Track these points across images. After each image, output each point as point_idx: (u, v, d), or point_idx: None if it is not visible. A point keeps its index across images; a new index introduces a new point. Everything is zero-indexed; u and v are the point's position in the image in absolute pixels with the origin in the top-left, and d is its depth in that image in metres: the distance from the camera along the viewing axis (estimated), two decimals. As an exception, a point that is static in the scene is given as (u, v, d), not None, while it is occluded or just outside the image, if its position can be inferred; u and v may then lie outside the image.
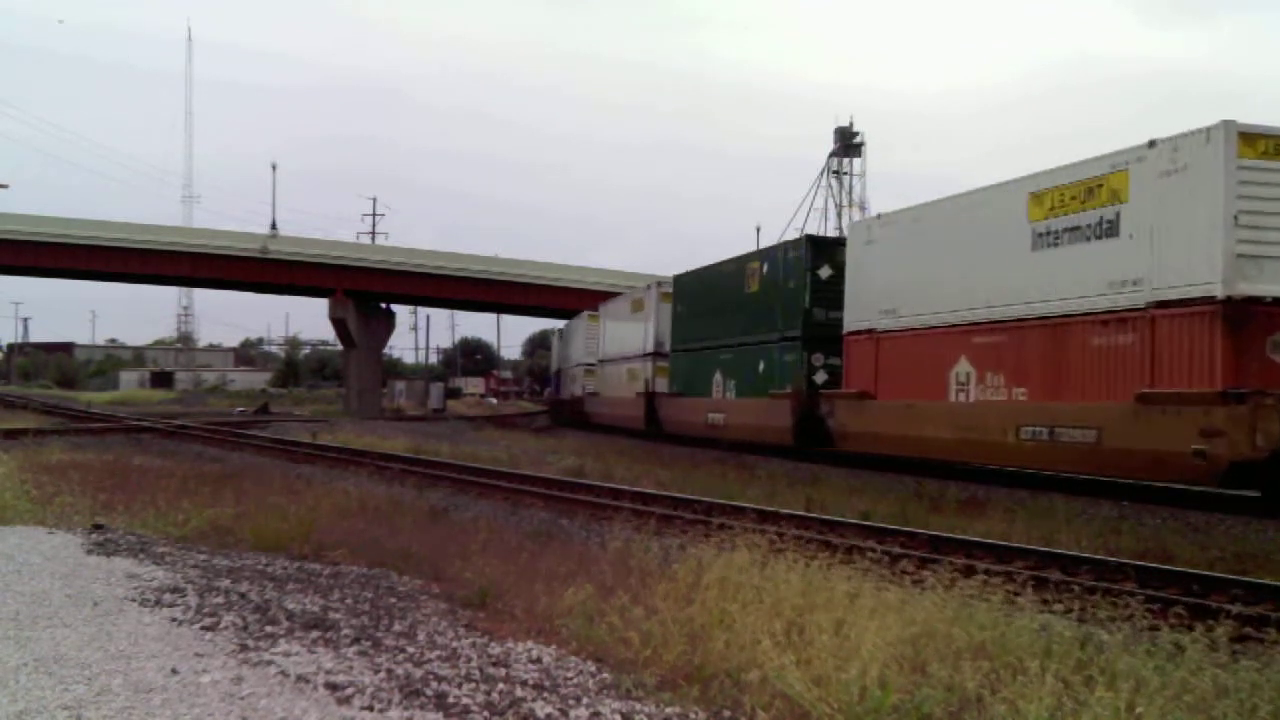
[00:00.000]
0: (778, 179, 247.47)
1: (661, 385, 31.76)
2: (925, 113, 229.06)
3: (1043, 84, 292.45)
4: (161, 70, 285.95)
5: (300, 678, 4.69)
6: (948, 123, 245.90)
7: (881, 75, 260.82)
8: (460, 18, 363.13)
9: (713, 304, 28.78)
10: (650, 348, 32.60)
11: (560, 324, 56.71)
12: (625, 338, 36.42)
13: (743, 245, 70.96)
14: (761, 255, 27.11)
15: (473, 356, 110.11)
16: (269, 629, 5.69)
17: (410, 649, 5.44)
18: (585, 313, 44.67)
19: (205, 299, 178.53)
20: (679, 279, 31.97)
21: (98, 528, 9.13)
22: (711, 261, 30.18)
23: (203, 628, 5.61)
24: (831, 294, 23.14)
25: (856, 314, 22.14)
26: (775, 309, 24.99)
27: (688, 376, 29.99)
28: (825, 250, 24.27)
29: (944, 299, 19.35)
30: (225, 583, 7.01)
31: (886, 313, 21.03)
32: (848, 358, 22.50)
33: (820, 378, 23.28)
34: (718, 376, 27.90)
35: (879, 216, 23.73)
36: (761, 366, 25.33)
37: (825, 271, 23.59)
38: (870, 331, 21.54)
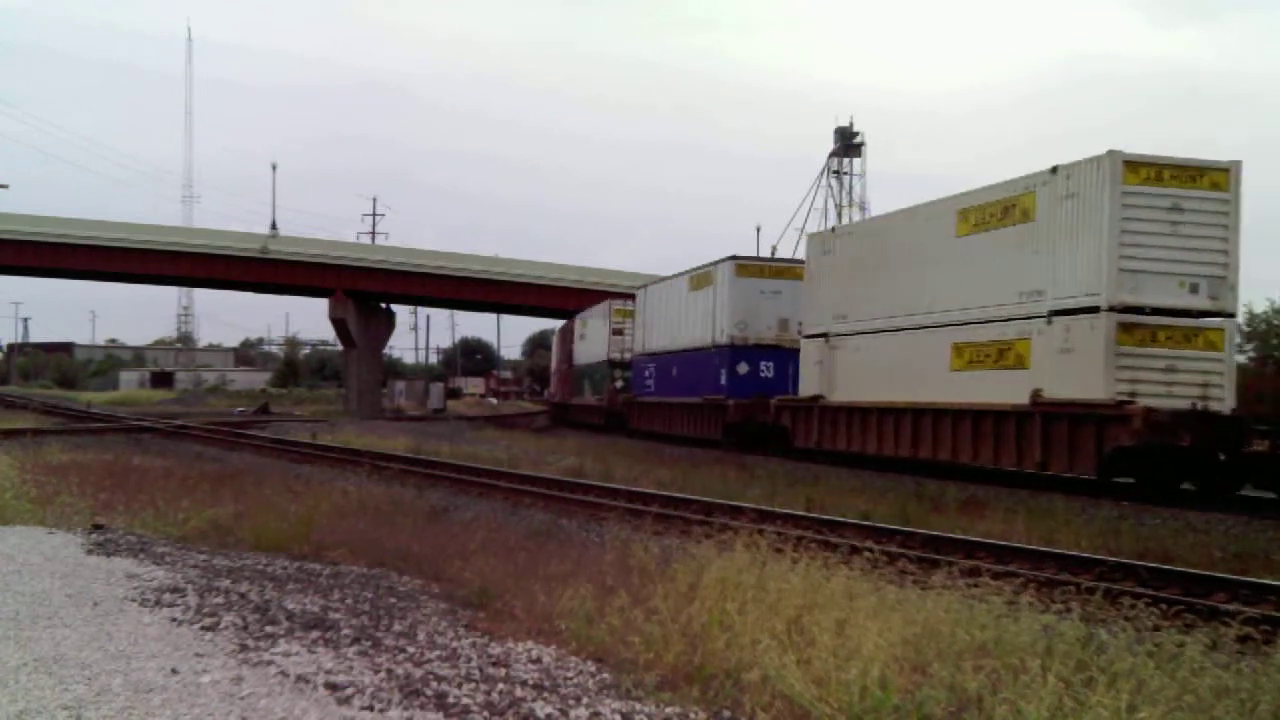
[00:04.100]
0: (779, 178, 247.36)
1: None
2: (926, 112, 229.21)
3: (1045, 83, 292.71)
4: (161, 70, 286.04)
5: (300, 678, 4.69)
6: (950, 122, 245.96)
7: (883, 75, 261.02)
8: (463, 17, 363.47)
9: None
10: None
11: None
12: None
13: (745, 245, 70.82)
14: None
15: (473, 356, 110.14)
16: (269, 629, 5.68)
17: (410, 649, 5.44)
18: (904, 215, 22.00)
19: (205, 299, 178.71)
20: None
21: (98, 528, 9.12)
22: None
23: (203, 628, 5.61)
24: None
25: None
26: None
27: None
28: None
29: None
30: (225, 583, 7.01)
31: None
32: None
33: None
34: None
35: None
36: None
37: None
38: None
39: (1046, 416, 16.70)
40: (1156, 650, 5.25)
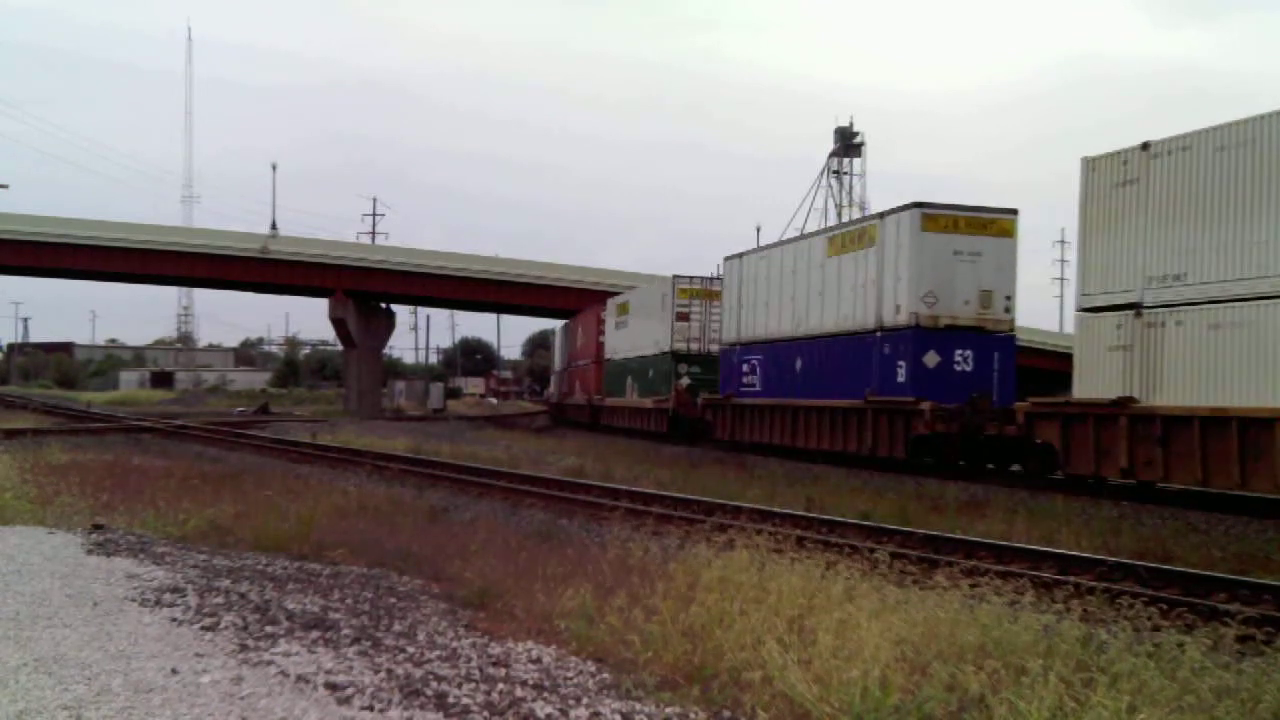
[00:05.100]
0: (779, 178, 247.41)
1: None
2: (926, 112, 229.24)
3: (1046, 83, 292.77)
4: (161, 70, 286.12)
5: (300, 678, 4.68)
6: (950, 122, 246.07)
7: (883, 75, 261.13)
8: (465, 17, 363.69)
9: None
10: None
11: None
12: None
13: (745, 244, 70.74)
14: None
15: (473, 356, 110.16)
16: (269, 629, 5.68)
17: (410, 649, 5.44)
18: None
19: (205, 299, 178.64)
20: None
21: (98, 528, 9.12)
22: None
23: (203, 628, 5.60)
24: None
25: None
26: None
27: None
28: None
29: None
30: (225, 583, 7.01)
31: None
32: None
33: None
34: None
35: None
36: None
37: None
38: None
39: None
40: (1157, 650, 5.25)
